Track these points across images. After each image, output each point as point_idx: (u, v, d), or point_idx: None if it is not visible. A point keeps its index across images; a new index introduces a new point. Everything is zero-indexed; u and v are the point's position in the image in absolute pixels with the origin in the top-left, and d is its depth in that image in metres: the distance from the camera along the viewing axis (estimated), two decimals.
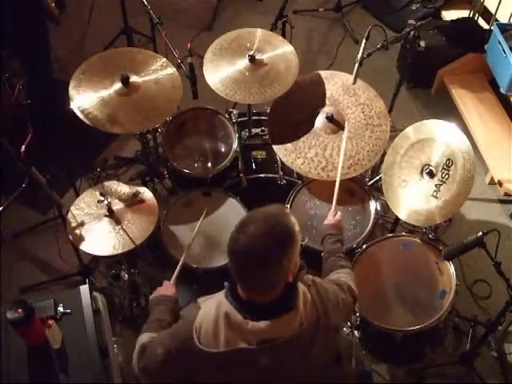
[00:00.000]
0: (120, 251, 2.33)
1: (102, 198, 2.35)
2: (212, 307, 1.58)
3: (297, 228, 1.54)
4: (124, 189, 2.52)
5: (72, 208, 2.45)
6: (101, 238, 2.36)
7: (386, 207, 2.87)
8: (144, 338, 1.74)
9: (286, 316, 1.55)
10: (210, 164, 2.84)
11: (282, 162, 2.71)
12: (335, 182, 2.35)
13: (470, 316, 2.81)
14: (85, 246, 2.35)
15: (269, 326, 1.52)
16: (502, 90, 3.33)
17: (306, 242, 2.33)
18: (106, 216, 2.39)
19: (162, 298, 1.92)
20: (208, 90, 2.68)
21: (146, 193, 2.52)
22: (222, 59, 2.75)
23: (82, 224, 2.39)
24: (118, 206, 2.44)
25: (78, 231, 2.38)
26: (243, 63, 2.72)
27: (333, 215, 2.23)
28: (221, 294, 1.61)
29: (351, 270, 1.99)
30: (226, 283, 1.61)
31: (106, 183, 2.55)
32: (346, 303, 1.78)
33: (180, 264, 2.19)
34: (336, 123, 2.64)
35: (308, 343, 1.61)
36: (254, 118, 3.06)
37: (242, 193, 2.80)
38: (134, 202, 2.47)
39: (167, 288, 2.00)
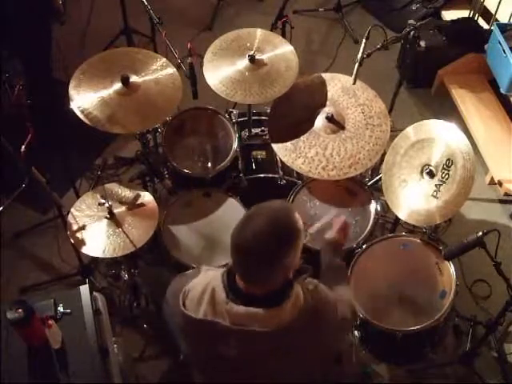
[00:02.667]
0: (120, 254, 2.34)
1: (103, 201, 2.36)
2: (208, 278, 1.61)
3: (300, 225, 1.54)
4: (125, 192, 2.53)
5: (72, 210, 2.46)
6: (101, 240, 2.36)
7: (386, 207, 2.87)
8: None
9: (265, 311, 1.52)
10: (210, 164, 2.83)
11: (282, 162, 2.71)
12: (336, 182, 2.35)
13: (470, 316, 2.81)
14: (85, 248, 2.36)
15: (243, 312, 1.52)
16: (502, 90, 3.33)
17: (307, 240, 2.33)
18: (106, 218, 2.40)
19: None
20: (208, 90, 2.68)
21: (147, 196, 2.52)
22: (222, 59, 2.75)
23: (82, 226, 2.39)
24: (118, 208, 2.45)
25: (78, 233, 2.38)
26: (243, 63, 2.72)
27: (337, 227, 2.04)
28: (222, 270, 1.63)
29: (348, 287, 1.99)
30: (228, 263, 1.63)
31: (107, 186, 2.55)
32: (346, 320, 1.74)
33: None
34: (336, 123, 2.64)
35: (280, 351, 1.55)
36: (254, 118, 3.05)
37: (242, 193, 2.80)
38: (134, 205, 2.48)
39: None
